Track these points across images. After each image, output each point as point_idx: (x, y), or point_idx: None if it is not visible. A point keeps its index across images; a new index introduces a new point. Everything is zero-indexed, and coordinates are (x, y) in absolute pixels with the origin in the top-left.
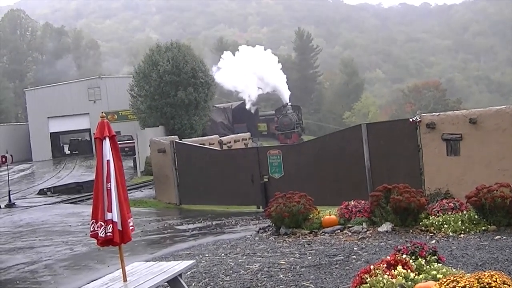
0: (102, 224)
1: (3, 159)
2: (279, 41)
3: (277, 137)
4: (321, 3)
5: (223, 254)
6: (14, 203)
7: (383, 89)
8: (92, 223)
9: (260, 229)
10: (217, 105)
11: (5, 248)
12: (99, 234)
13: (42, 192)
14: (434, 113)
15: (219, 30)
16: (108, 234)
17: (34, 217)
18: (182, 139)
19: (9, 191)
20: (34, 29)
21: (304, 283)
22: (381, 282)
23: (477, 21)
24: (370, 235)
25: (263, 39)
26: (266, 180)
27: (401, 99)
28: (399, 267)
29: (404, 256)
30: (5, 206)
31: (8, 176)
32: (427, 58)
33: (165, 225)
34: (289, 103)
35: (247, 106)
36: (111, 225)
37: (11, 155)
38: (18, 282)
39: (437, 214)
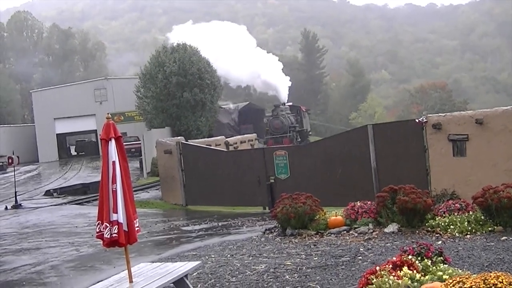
0: (108, 225)
1: (10, 160)
2: (285, 42)
3: (265, 142)
4: (327, 4)
5: (229, 255)
6: (20, 204)
7: (389, 90)
8: (98, 224)
9: (266, 230)
10: (223, 106)
11: (11, 249)
12: (105, 235)
13: (48, 193)
14: (440, 114)
15: None
16: (114, 235)
17: (40, 218)
18: (188, 140)
19: (15, 192)
20: (40, 31)
21: (310, 284)
22: (387, 283)
23: (484, 22)
24: (376, 236)
25: (269, 40)
26: (272, 181)
27: (407, 100)
28: (405, 268)
29: (410, 257)
30: (11, 207)
31: (14, 177)
32: (433, 59)
33: (171, 226)
34: (287, 103)
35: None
36: (117, 226)
37: (17, 156)
38: (24, 283)
39: (444, 215)
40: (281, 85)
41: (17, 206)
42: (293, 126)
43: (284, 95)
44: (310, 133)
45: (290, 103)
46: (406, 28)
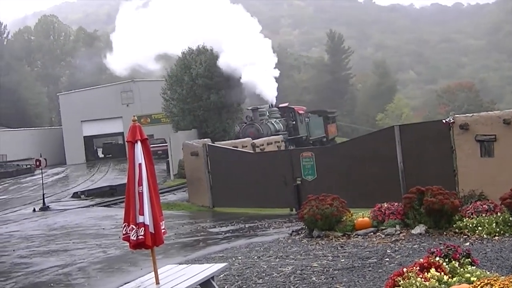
0: (134, 227)
1: (37, 163)
2: (311, 43)
3: None
4: (352, 5)
5: (256, 257)
6: (48, 206)
7: (416, 91)
8: (124, 226)
9: (293, 231)
10: (249, 108)
11: (39, 251)
12: (131, 237)
13: (76, 196)
14: (467, 114)
15: None
16: (140, 237)
17: (68, 220)
18: (215, 142)
19: (43, 194)
20: (67, 34)
21: (337, 286)
22: (414, 285)
23: (510, 21)
24: (403, 238)
25: (294, 41)
26: (299, 182)
27: (434, 100)
28: (432, 270)
29: (437, 258)
30: (39, 209)
31: (42, 179)
32: (460, 59)
33: (198, 228)
34: (282, 105)
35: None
36: (143, 228)
37: (45, 159)
38: (52, 284)
39: (471, 216)
40: (265, 80)
41: (45, 208)
42: (277, 135)
43: (271, 94)
44: (325, 138)
45: (285, 104)
46: (432, 28)
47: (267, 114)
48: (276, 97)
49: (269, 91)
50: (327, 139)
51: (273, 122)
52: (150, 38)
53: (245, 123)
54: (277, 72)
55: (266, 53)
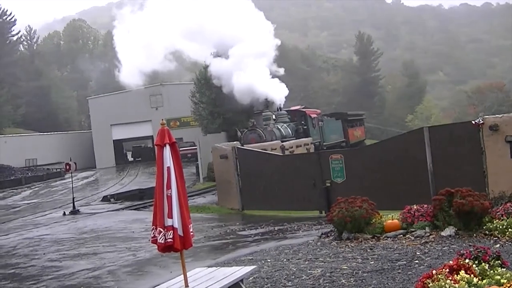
0: (162, 230)
1: (67, 167)
2: (339, 45)
3: None
4: (381, 6)
5: (285, 260)
6: (78, 210)
7: (445, 91)
8: (153, 229)
9: (322, 234)
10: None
11: (69, 254)
12: (158, 240)
13: (105, 199)
14: (497, 115)
15: (280, 35)
16: (169, 240)
17: (97, 223)
18: (244, 145)
19: (73, 198)
20: (96, 38)
21: None
22: (443, 287)
23: None
24: (433, 240)
25: (323, 43)
26: (328, 184)
27: (463, 101)
28: (462, 272)
29: (467, 260)
30: (69, 213)
31: (72, 183)
32: (489, 59)
33: (228, 231)
34: (293, 107)
35: None
36: (172, 231)
37: (75, 163)
38: (82, 287)
39: (501, 218)
40: (269, 81)
41: (75, 211)
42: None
43: (278, 96)
44: (344, 143)
45: (296, 107)
46: (461, 28)
47: (274, 118)
48: (286, 99)
49: (275, 93)
50: (347, 144)
51: (279, 127)
52: (155, 39)
53: (246, 128)
54: (281, 70)
55: (267, 49)
